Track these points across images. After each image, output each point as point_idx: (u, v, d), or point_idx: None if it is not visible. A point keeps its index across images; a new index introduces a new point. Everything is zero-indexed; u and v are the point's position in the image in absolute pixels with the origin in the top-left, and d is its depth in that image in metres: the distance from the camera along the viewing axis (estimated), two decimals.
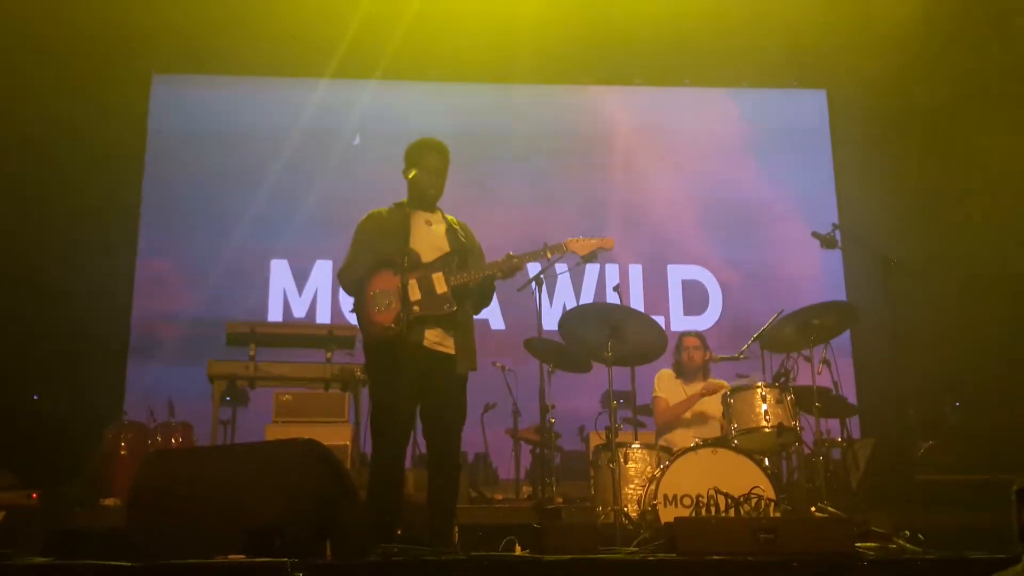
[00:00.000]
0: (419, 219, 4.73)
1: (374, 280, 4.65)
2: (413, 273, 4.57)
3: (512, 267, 4.69)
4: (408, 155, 4.88)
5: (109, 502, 6.49)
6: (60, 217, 8.15)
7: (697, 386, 6.54)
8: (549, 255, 4.76)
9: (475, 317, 4.90)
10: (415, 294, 4.57)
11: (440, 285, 4.64)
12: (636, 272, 9.39)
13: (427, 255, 4.69)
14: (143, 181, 9.17)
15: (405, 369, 4.47)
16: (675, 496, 5.23)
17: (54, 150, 8.22)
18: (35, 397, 7.62)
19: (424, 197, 4.80)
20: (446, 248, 4.75)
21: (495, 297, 4.97)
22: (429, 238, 4.75)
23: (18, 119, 8.04)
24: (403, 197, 4.90)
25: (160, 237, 9.07)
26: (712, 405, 6.32)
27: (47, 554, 3.58)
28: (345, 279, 4.83)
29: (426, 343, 4.60)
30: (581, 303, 8.83)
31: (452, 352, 4.65)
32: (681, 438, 6.18)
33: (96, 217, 8.37)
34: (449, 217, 4.95)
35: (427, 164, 4.83)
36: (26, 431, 7.13)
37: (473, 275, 4.68)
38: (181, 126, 9.34)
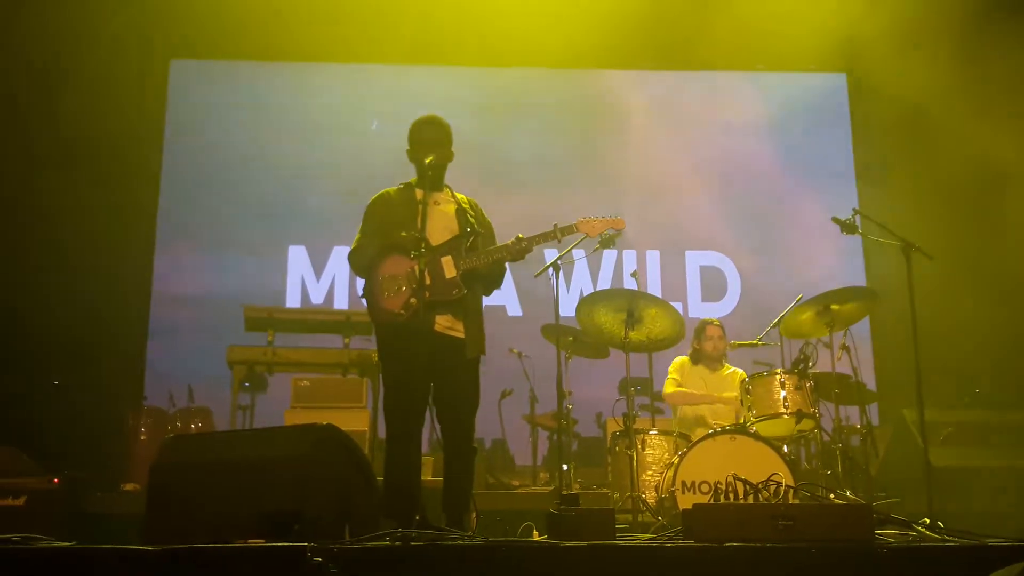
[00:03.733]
0: (427, 200, 4.67)
1: (383, 264, 4.63)
2: (423, 257, 4.53)
3: (521, 250, 4.66)
4: (409, 138, 4.87)
5: (129, 487, 6.55)
6: (80, 204, 8.18)
7: (716, 376, 6.51)
8: (560, 236, 4.73)
9: (489, 302, 4.88)
10: (425, 279, 4.54)
11: (449, 269, 4.61)
12: (654, 258, 9.36)
13: (436, 237, 4.64)
14: (162, 168, 9.20)
15: (416, 355, 4.47)
16: (693, 483, 5.23)
17: (73, 136, 8.25)
18: (55, 383, 7.67)
19: (429, 173, 4.73)
20: (455, 230, 4.72)
21: (512, 283, 4.96)
22: (438, 219, 4.70)
23: (36, 105, 8.08)
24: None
25: (178, 223, 9.11)
26: (729, 411, 6.28)
27: (68, 538, 3.60)
28: (354, 261, 4.83)
29: (437, 328, 4.58)
30: (598, 289, 8.82)
31: (462, 336, 4.64)
32: (699, 432, 6.16)
33: (115, 203, 8.41)
34: (459, 195, 4.90)
35: (424, 138, 4.80)
36: (47, 417, 7.18)
37: (482, 259, 4.64)
38: (199, 113, 9.37)
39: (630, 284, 6.53)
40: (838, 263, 9.19)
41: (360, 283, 4.78)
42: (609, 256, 9.19)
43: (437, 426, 4.60)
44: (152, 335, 8.82)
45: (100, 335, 8.09)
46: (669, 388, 6.50)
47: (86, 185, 8.27)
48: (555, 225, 4.73)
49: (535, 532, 4.67)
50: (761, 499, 4.01)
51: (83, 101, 8.26)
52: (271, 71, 9.47)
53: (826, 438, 6.06)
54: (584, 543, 3.48)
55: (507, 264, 4.81)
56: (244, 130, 9.34)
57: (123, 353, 8.53)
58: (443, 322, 4.62)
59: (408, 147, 4.86)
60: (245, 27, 8.80)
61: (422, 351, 4.49)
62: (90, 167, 8.34)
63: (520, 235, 4.68)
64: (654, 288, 9.08)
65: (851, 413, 6.93)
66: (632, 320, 5.89)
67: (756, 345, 6.65)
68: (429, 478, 5.93)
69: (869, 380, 8.16)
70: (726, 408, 6.29)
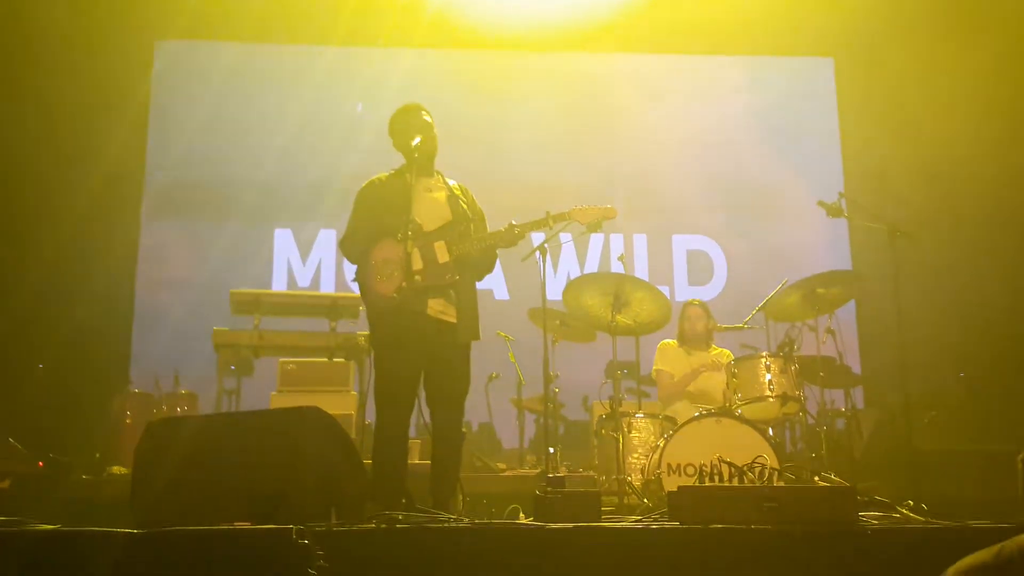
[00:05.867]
0: (419, 186, 4.68)
1: (376, 250, 4.64)
2: (415, 242, 4.54)
3: (514, 236, 4.68)
4: (391, 129, 4.88)
5: (115, 470, 6.53)
6: (63, 186, 8.13)
7: (700, 355, 6.53)
8: (552, 223, 4.74)
9: (479, 286, 4.89)
10: (417, 264, 4.56)
11: (442, 254, 4.63)
12: (641, 242, 9.36)
13: (429, 224, 4.66)
14: (146, 149, 9.14)
15: (408, 339, 4.48)
16: (679, 465, 5.24)
17: (56, 118, 8.19)
18: (40, 366, 7.63)
19: (419, 159, 4.73)
20: (448, 216, 4.73)
21: (499, 267, 4.96)
22: (430, 206, 4.72)
23: (19, 87, 8.01)
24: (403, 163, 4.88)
25: (164, 206, 9.05)
26: (714, 381, 6.31)
27: (53, 521, 3.59)
28: (347, 248, 4.83)
29: (429, 312, 4.59)
30: (585, 273, 8.82)
31: (455, 321, 4.65)
32: (684, 411, 6.18)
33: (99, 186, 8.35)
34: (450, 181, 4.92)
35: (410, 124, 4.81)
36: (32, 400, 7.15)
37: (475, 244, 4.67)
38: (184, 94, 9.29)
39: (617, 268, 6.53)
40: (824, 247, 9.23)
41: (348, 268, 4.78)
42: (596, 240, 9.20)
43: (425, 410, 4.62)
44: (137, 319, 8.78)
45: (85, 319, 8.05)
46: (661, 385, 6.54)
47: (70, 169, 8.22)
48: (548, 212, 4.74)
49: (521, 514, 4.69)
50: (746, 481, 4.04)
51: (67, 83, 8.19)
52: (256, 53, 9.39)
53: (811, 421, 6.09)
54: (570, 525, 3.50)
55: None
56: (229, 112, 9.27)
57: (108, 337, 8.49)
58: (436, 306, 4.63)
59: (392, 138, 4.87)
60: (230, 8, 8.74)
61: (414, 335, 4.51)
62: (75, 151, 8.28)
63: (513, 222, 4.69)
64: (641, 272, 9.09)
65: (836, 396, 6.98)
66: (619, 304, 5.89)
67: (742, 328, 6.67)
68: (416, 461, 5.94)
69: (854, 363, 8.21)
70: (714, 374, 6.30)
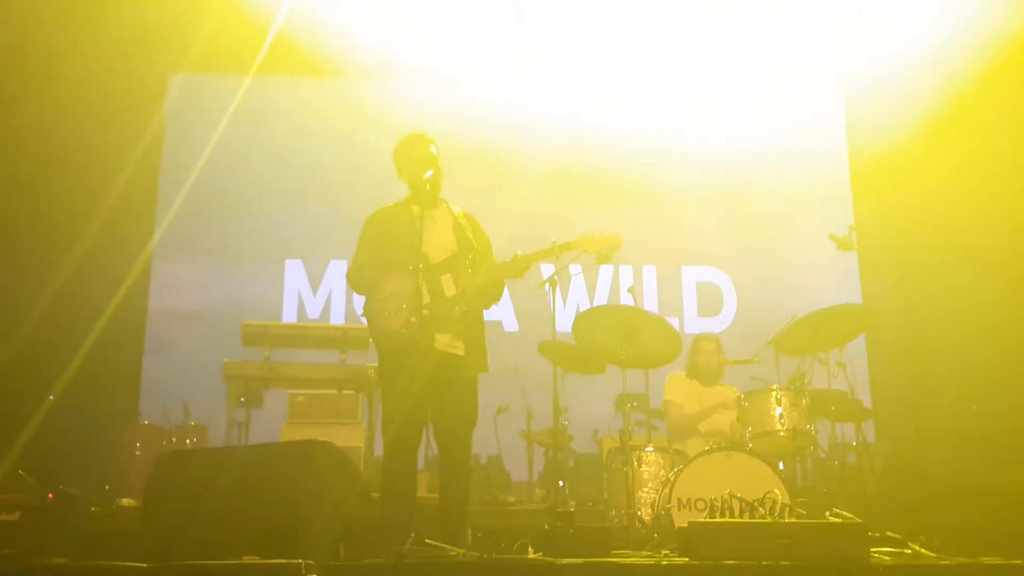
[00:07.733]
0: (425, 217, 4.70)
1: (384, 283, 4.65)
2: (422, 276, 4.56)
3: (520, 267, 4.69)
4: (396, 158, 4.91)
5: (124, 503, 6.52)
6: (75, 217, 8.19)
7: (710, 390, 6.51)
8: (559, 253, 4.74)
9: (488, 318, 4.89)
10: (425, 297, 4.56)
11: (449, 287, 4.63)
12: (650, 274, 9.36)
13: (435, 256, 4.67)
14: (159, 181, 9.20)
15: (416, 374, 4.48)
16: (689, 500, 5.20)
17: (71, 149, 8.26)
18: (51, 398, 7.64)
19: (426, 190, 4.75)
20: (454, 247, 4.74)
21: (508, 299, 4.97)
22: (436, 237, 4.72)
23: (34, 118, 8.09)
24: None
25: (175, 237, 9.09)
26: (726, 419, 6.29)
27: (63, 554, 3.59)
28: (353, 280, 4.85)
29: (438, 345, 4.59)
30: (595, 305, 8.81)
31: (463, 354, 4.65)
32: (694, 446, 6.15)
33: (112, 217, 8.40)
34: (455, 210, 4.93)
35: (418, 155, 4.83)
36: (41, 432, 7.15)
37: (482, 277, 4.68)
38: (197, 126, 9.34)
39: (627, 300, 6.53)
40: (834, 280, 9.18)
41: (358, 299, 4.79)
42: (606, 272, 9.19)
43: (434, 443, 4.61)
44: (148, 350, 8.80)
45: (96, 350, 8.06)
46: (671, 416, 6.51)
47: (83, 200, 8.28)
48: (554, 242, 4.74)
49: (530, 549, 4.66)
50: (757, 516, 4.02)
51: (81, 115, 8.28)
52: (268, 86, 9.44)
53: (822, 455, 6.05)
54: (580, 560, 3.49)
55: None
56: (241, 144, 9.31)
57: (119, 368, 8.50)
58: (443, 340, 4.63)
59: (397, 168, 4.90)
60: (243, 43, 8.83)
61: (422, 369, 4.51)
62: (87, 182, 8.35)
63: (519, 253, 4.69)
64: (651, 304, 9.07)
65: (847, 430, 6.93)
66: (628, 336, 5.88)
67: (752, 362, 6.64)
68: (425, 494, 5.91)
69: (865, 397, 8.16)
70: (725, 413, 6.28)
